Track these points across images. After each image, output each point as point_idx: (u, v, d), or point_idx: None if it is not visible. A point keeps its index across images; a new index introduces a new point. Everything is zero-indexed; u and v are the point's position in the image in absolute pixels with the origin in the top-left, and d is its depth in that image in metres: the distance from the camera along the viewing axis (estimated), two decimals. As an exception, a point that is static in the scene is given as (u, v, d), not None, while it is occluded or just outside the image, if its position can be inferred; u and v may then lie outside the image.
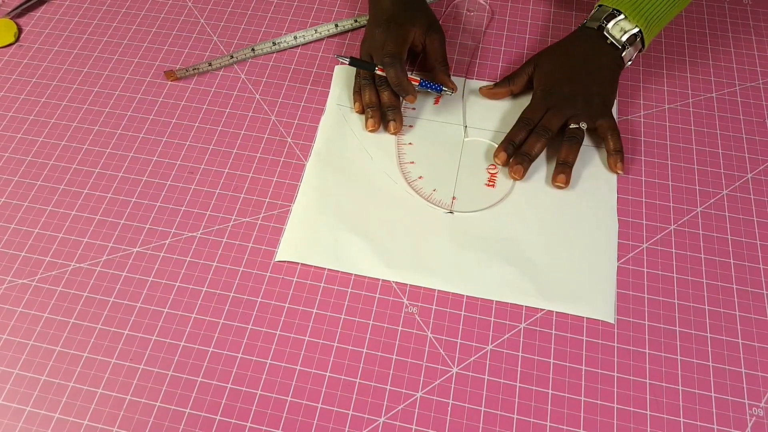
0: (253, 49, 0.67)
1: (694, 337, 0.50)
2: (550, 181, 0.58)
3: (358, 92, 0.63)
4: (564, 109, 0.58)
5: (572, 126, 0.58)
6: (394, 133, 0.61)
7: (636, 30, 0.59)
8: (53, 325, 0.51)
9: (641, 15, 0.58)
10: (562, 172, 0.57)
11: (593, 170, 0.59)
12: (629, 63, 0.61)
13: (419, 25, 0.62)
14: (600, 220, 0.56)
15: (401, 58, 0.60)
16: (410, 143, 0.61)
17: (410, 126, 0.62)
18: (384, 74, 0.60)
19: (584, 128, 0.58)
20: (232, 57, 0.67)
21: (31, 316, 0.52)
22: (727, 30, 0.70)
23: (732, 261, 0.54)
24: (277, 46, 0.68)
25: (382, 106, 0.61)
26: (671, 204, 0.57)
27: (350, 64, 0.62)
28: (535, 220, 0.56)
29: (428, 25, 0.63)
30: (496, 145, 0.59)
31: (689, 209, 0.57)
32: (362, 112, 0.62)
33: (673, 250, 0.55)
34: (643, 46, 0.60)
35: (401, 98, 0.61)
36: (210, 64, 0.66)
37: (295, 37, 0.68)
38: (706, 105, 0.64)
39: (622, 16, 0.59)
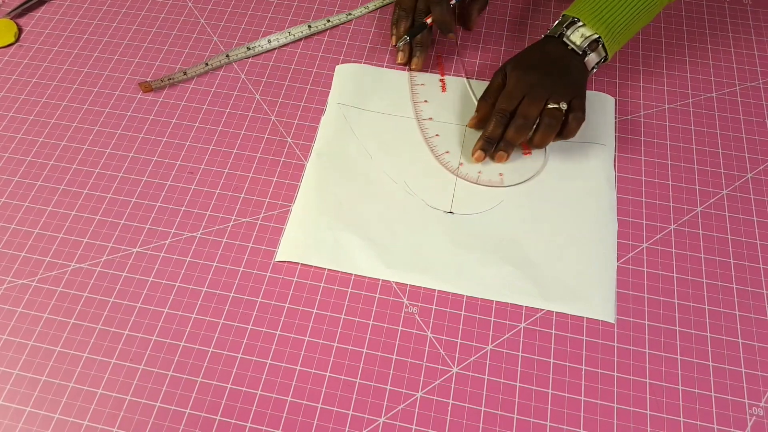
0: (248, 49, 0.67)
1: (694, 337, 0.50)
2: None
3: (395, 24, 0.66)
4: (541, 93, 0.56)
5: (551, 106, 0.56)
6: (413, 69, 0.66)
7: (596, 36, 0.57)
8: (53, 326, 0.52)
9: (601, 22, 0.57)
10: (528, 152, 0.60)
11: (593, 169, 0.59)
12: (593, 71, 0.60)
13: None
14: (600, 220, 0.56)
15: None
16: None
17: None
18: (427, 21, 0.64)
19: (564, 108, 0.56)
20: (228, 56, 0.67)
21: (31, 317, 0.52)
22: (727, 30, 0.70)
23: (732, 261, 0.54)
24: (271, 44, 0.68)
25: (413, 42, 0.65)
26: (671, 204, 0.57)
27: (410, 36, 0.64)
28: (535, 220, 0.56)
29: None
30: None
31: (689, 209, 0.57)
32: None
33: (673, 250, 0.55)
34: (606, 54, 0.58)
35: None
36: (185, 73, 0.65)
37: (288, 34, 0.68)
38: (706, 105, 0.64)
39: (581, 23, 0.58)
